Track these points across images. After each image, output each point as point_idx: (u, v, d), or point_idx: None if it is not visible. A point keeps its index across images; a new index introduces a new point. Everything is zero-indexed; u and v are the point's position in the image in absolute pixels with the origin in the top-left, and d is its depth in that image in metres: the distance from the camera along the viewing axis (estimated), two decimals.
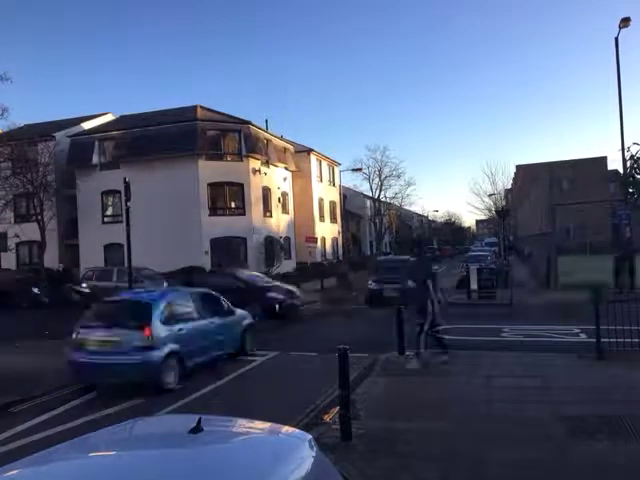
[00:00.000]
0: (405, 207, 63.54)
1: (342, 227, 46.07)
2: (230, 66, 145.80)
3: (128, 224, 13.26)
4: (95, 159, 30.22)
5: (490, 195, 53.28)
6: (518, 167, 67.33)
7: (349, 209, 51.95)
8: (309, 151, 39.69)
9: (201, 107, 31.32)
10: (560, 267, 21.34)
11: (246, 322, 11.69)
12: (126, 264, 14.90)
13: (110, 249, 28.90)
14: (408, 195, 58.52)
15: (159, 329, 8.76)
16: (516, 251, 49.67)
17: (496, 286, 20.81)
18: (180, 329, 9.20)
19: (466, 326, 13.96)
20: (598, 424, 6.13)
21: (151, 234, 26.09)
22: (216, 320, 10.40)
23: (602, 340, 9.05)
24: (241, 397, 8.16)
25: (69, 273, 28.40)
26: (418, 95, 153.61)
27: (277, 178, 33.67)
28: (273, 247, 30.55)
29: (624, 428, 5.97)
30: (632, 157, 16.97)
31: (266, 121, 37.23)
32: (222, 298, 11.31)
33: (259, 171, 30.73)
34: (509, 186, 60.44)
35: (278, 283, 19.18)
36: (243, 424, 2.76)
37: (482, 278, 20.14)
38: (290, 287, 18.79)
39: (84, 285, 22.47)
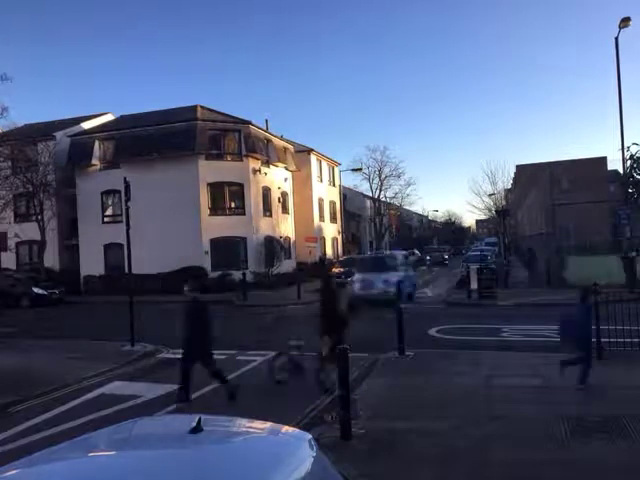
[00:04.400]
0: (405, 207, 63.55)
1: (342, 227, 46.06)
2: (230, 66, 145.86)
3: (128, 224, 13.24)
4: (95, 159, 30.21)
5: (490, 195, 53.31)
6: (518, 167, 67.21)
7: (349, 209, 51.92)
8: (309, 151, 39.66)
9: (201, 107, 31.29)
10: (568, 266, 21.25)
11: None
12: (126, 264, 14.83)
13: (110, 249, 28.89)
14: (408, 195, 58.54)
15: None
16: (516, 250, 49.63)
17: (497, 285, 20.80)
18: None
19: (466, 326, 13.97)
20: (598, 424, 6.13)
21: (151, 234, 26.08)
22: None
23: (602, 340, 9.06)
24: (242, 397, 8.14)
25: None
26: (418, 95, 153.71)
27: (277, 178, 33.65)
28: (273, 247, 30.54)
29: (624, 428, 5.97)
30: (632, 157, 16.99)
31: (266, 121, 37.23)
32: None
33: (259, 171, 30.72)
34: (509, 186, 60.32)
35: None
36: (243, 424, 2.76)
37: (482, 278, 20.12)
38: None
39: None
